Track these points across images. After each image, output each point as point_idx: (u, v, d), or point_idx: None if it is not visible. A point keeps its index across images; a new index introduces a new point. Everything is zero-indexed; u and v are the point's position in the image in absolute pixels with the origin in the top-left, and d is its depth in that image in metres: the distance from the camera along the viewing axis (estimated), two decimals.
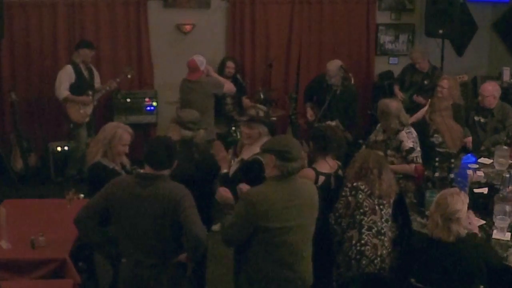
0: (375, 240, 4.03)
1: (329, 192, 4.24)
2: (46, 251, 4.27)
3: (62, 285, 4.09)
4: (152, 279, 3.54)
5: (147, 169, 3.58)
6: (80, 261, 4.41)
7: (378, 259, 4.02)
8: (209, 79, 6.39)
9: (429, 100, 6.66)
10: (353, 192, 4.09)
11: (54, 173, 7.26)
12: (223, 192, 4.07)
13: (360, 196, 4.07)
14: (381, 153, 4.47)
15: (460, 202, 3.62)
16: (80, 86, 6.87)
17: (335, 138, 4.35)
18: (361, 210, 4.05)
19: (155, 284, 3.54)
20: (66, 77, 6.81)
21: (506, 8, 8.16)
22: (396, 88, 7.43)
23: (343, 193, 4.13)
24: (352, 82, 6.84)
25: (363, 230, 4.04)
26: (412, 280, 3.74)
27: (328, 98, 6.65)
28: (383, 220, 4.09)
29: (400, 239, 4.68)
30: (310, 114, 6.96)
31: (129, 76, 7.27)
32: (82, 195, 5.13)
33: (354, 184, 4.10)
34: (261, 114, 4.53)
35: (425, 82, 7.18)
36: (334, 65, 6.78)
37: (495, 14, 8.36)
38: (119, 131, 4.33)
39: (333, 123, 6.33)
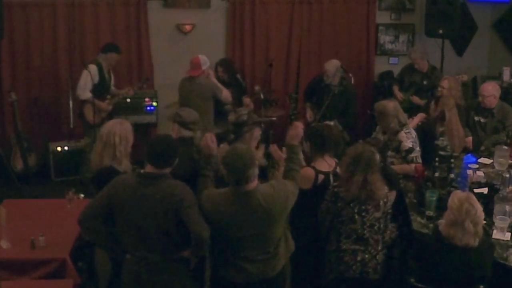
0: (354, 246, 3.94)
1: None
2: (46, 251, 4.27)
3: (62, 285, 4.08)
4: (155, 275, 3.57)
5: (148, 168, 3.60)
6: (80, 261, 4.41)
7: (358, 264, 3.94)
8: (208, 80, 6.41)
9: (427, 101, 6.67)
10: (333, 199, 3.97)
11: (54, 173, 7.26)
12: (210, 141, 3.94)
13: (339, 204, 3.93)
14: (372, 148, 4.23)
15: (478, 203, 3.63)
16: (100, 88, 6.83)
17: (332, 137, 4.36)
18: (339, 219, 3.95)
19: (158, 280, 3.58)
20: (90, 78, 6.73)
21: (506, 8, 8.17)
22: (396, 89, 7.43)
23: (326, 196, 4.01)
24: (352, 82, 6.84)
25: (341, 238, 3.95)
26: (412, 280, 3.74)
27: (326, 98, 6.65)
28: (365, 226, 3.93)
29: (400, 239, 4.68)
30: (309, 114, 6.97)
31: (145, 86, 7.39)
32: (82, 195, 5.13)
33: (335, 189, 3.97)
34: (244, 117, 4.52)
35: (424, 82, 7.19)
36: (332, 65, 6.79)
37: (495, 14, 8.36)
38: (121, 128, 4.19)
39: (331, 123, 6.33)
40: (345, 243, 3.94)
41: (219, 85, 6.57)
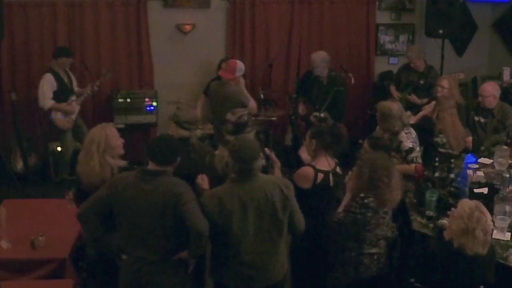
0: (373, 250, 3.94)
1: (328, 190, 4.24)
2: (46, 251, 4.28)
3: (62, 285, 4.10)
4: (153, 276, 3.57)
5: (150, 165, 3.63)
6: (80, 261, 4.42)
7: (375, 262, 3.95)
8: (237, 87, 6.22)
9: (426, 100, 6.67)
10: (362, 210, 3.86)
11: (54, 173, 7.25)
12: (200, 180, 3.99)
13: (369, 214, 3.86)
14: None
15: (488, 212, 3.57)
16: (62, 93, 6.87)
17: (334, 136, 4.35)
18: (367, 227, 3.89)
19: (156, 281, 3.57)
20: (48, 86, 6.78)
21: (506, 8, 8.17)
22: (393, 88, 7.39)
23: (352, 209, 3.88)
24: (352, 82, 6.84)
25: (364, 245, 3.92)
26: (412, 280, 3.74)
27: (315, 90, 6.66)
28: (384, 227, 3.97)
29: (400, 239, 4.68)
30: (301, 109, 6.98)
31: (107, 77, 7.24)
32: None
33: (365, 201, 3.86)
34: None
35: (421, 81, 7.15)
36: (317, 56, 6.78)
37: (495, 14, 8.36)
38: (106, 130, 4.16)
39: (322, 115, 6.30)
40: (366, 248, 3.93)
41: (247, 94, 6.26)
